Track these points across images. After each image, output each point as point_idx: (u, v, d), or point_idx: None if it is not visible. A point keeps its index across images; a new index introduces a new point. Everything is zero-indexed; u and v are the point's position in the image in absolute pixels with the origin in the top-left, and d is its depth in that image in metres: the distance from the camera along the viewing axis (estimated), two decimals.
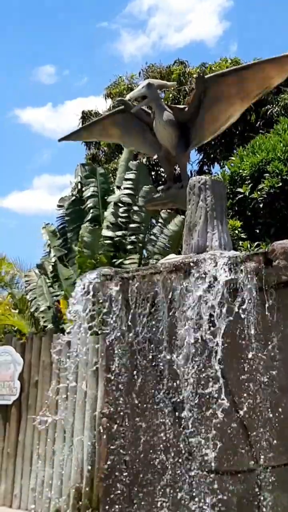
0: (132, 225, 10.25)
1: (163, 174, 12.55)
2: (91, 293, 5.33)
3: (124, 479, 4.97)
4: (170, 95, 13.77)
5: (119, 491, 4.97)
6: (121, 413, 5.12)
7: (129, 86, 15.30)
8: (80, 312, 5.42)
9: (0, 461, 6.24)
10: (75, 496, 5.53)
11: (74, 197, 11.35)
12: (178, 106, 6.27)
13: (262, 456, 4.29)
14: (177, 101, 13.11)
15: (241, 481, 4.36)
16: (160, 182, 12.01)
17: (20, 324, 10.09)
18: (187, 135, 5.98)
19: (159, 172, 13.52)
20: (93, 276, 5.36)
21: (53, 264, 10.64)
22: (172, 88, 13.10)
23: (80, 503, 5.49)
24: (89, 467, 5.52)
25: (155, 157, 6.42)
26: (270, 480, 4.26)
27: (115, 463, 5.05)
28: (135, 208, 10.32)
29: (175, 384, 4.81)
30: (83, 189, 11.08)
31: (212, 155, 14.40)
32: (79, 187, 11.69)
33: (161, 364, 4.95)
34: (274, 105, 12.80)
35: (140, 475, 4.88)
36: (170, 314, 4.94)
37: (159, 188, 6.38)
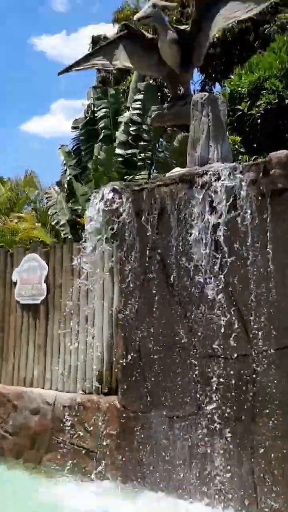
0: (141, 143, 10.14)
1: (169, 94, 12.24)
2: (105, 205, 5.39)
3: (138, 365, 5.23)
4: (174, 18, 13.19)
5: (134, 375, 5.24)
6: (134, 310, 5.31)
7: (135, 10, 14.63)
8: (95, 223, 5.50)
9: (33, 351, 6.53)
10: (97, 379, 5.81)
11: (87, 119, 11.17)
12: (180, 26, 6.05)
13: (256, 342, 4.48)
14: (180, 23, 12.56)
15: (239, 363, 4.56)
16: (167, 102, 11.74)
17: (43, 236, 10.23)
18: (190, 55, 5.82)
19: (165, 92, 13.16)
20: (106, 190, 5.40)
21: (69, 181, 10.63)
22: (175, 11, 12.53)
23: (102, 385, 5.78)
24: (108, 355, 5.77)
25: (160, 77, 6.27)
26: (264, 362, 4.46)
27: (130, 351, 5.29)
28: (144, 127, 10.16)
29: (183, 284, 4.95)
30: (95, 110, 10.88)
31: (213, 75, 13.97)
32: (92, 108, 11.47)
33: (169, 268, 5.07)
34: (272, 24, 12.25)
35: (151, 362, 5.12)
36: (177, 223, 5.01)
37: (164, 105, 6.27)
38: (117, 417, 5.36)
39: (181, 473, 4.78)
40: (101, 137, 10.34)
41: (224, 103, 5.39)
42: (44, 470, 5.83)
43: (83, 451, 5.56)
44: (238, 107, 8.00)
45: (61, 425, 5.78)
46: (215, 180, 4.68)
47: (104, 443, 5.41)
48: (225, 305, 4.62)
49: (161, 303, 5.09)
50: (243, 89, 8.02)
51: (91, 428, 5.55)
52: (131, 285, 5.33)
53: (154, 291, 5.13)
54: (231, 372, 4.55)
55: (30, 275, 6.64)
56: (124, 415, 5.28)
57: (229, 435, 4.53)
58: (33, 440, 6.06)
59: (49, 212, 10.70)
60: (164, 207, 5.07)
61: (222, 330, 4.60)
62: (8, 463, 6.18)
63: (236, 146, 7.72)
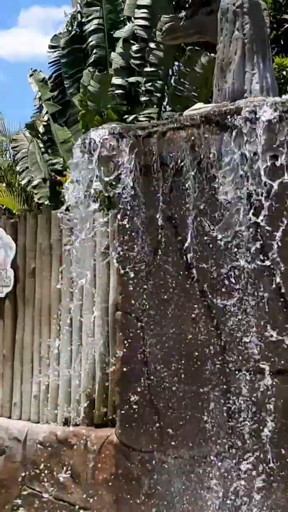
0: (148, 69, 10.03)
1: None
2: (96, 157, 5.32)
3: (144, 383, 5.21)
4: None
5: (139, 399, 5.22)
6: (139, 305, 5.28)
7: None
8: (82, 182, 5.45)
9: None
10: (85, 405, 5.82)
11: (71, 34, 11.03)
12: None
13: None
14: None
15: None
16: (185, 9, 11.57)
17: (9, 202, 10.21)
18: None
19: None
20: (98, 135, 5.33)
21: (45, 123, 10.54)
22: None
23: (92, 413, 5.79)
24: (102, 370, 5.77)
25: None
26: None
27: (133, 363, 5.27)
28: (152, 45, 10.03)
29: (207, 268, 4.91)
30: (84, 22, 10.74)
31: None
32: (79, 19, 11.31)
33: (188, 245, 5.03)
34: None
35: (164, 379, 5.10)
36: (199, 182, 4.95)
37: (181, 14, 6.18)
38: (114, 458, 5.36)
39: None
40: (91, 60, 10.24)
41: (266, 10, 5.30)
42: None
43: (67, 507, 5.58)
44: (286, 16, 7.90)
45: (36, 470, 5.80)
46: (254, 121, 4.61)
47: (96, 496, 5.42)
48: (268, 296, 4.58)
49: (177, 294, 5.04)
50: None
51: (78, 475, 5.56)
52: (134, 270, 5.29)
53: (166, 278, 5.09)
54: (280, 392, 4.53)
55: None
56: (124, 456, 5.27)
57: (274, 484, 4.52)
58: None
59: (17, 168, 10.65)
60: (181, 160, 5.01)
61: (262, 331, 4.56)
62: None
63: (284, 72, 7.64)
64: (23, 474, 5.95)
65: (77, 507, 5.54)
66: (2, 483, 6.06)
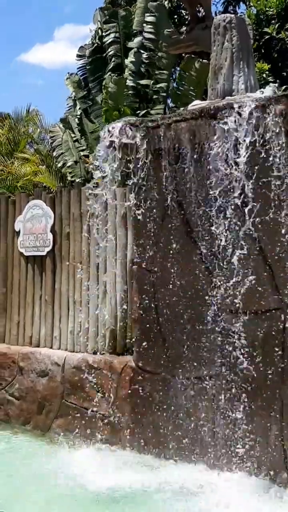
0: (155, 73, 9.87)
1: (186, 17, 11.82)
2: (117, 143, 5.28)
3: (156, 321, 5.22)
4: None
5: (152, 333, 5.25)
6: (151, 261, 5.27)
7: None
8: (106, 163, 5.41)
9: (40, 308, 6.56)
10: (110, 338, 5.84)
11: (94, 46, 10.83)
12: None
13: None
14: None
15: (268, 319, 4.53)
16: (184, 25, 11.35)
17: (48, 180, 10.14)
18: None
19: (182, 14, 12.73)
20: (118, 126, 5.28)
21: (78, 117, 10.43)
22: None
23: (115, 344, 5.81)
24: (122, 311, 5.78)
25: None
26: None
27: (147, 307, 5.29)
28: (159, 54, 9.86)
29: (204, 233, 4.88)
30: (103, 35, 10.54)
31: None
32: (100, 33, 11.12)
33: (189, 215, 4.99)
34: None
35: (171, 318, 5.12)
36: (197, 163, 4.90)
37: (182, 29, 6.06)
38: (132, 379, 5.40)
39: (204, 440, 4.83)
40: (110, 66, 10.07)
41: (250, 25, 5.19)
42: (54, 437, 5.93)
43: (96, 416, 5.63)
44: (266, 30, 7.72)
45: (71, 388, 5.85)
46: (240, 114, 4.54)
47: (119, 408, 5.47)
48: (252, 257, 4.56)
49: (181, 253, 5.03)
50: (272, 10, 7.72)
51: (104, 391, 5.61)
52: (147, 234, 5.27)
53: (173, 240, 5.07)
54: (259, 329, 4.53)
55: (34, 224, 6.60)
56: (140, 376, 5.31)
57: (256, 397, 4.55)
58: (41, 405, 6.15)
59: (54, 154, 10.57)
60: (183, 146, 4.95)
61: (249, 284, 4.55)
62: (15, 430, 6.29)
63: (264, 75, 7.50)
64: (62, 391, 5.99)
65: (103, 416, 5.59)
66: (46, 398, 6.12)
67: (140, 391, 5.27)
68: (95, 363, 5.76)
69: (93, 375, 5.71)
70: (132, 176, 5.29)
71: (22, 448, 5.86)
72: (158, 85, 9.92)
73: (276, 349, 4.45)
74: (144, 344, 5.29)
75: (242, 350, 4.59)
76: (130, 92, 9.70)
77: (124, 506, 4.39)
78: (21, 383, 6.37)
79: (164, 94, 9.98)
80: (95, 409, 5.64)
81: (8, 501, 4.46)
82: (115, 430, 5.46)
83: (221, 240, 4.68)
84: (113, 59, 10.13)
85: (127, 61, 9.99)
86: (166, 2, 12.54)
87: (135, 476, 4.77)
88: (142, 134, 5.14)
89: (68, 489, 4.67)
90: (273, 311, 4.49)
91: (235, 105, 4.55)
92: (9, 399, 6.47)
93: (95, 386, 5.68)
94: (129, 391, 5.40)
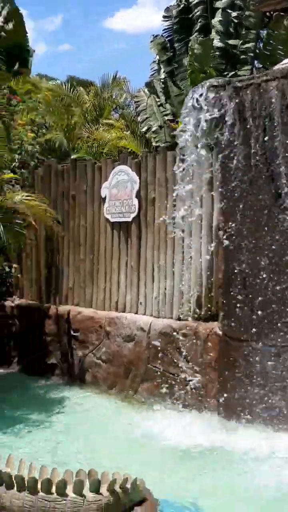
0: (243, 32, 9.55)
1: None
2: (203, 105, 5.17)
3: (242, 289, 5.15)
4: None
5: (238, 300, 5.18)
6: (238, 226, 5.18)
7: None
8: (192, 127, 5.32)
9: (125, 274, 6.63)
10: (195, 304, 5.82)
11: (181, 6, 10.59)
12: None
13: None
14: None
15: None
16: None
17: (133, 145, 10.12)
18: None
19: None
20: (204, 88, 5.16)
21: (162, 81, 10.30)
22: None
23: (200, 310, 5.79)
24: (208, 277, 5.73)
25: None
26: None
27: (233, 274, 5.21)
28: (247, 13, 9.52)
29: None
30: None
31: None
32: None
33: (279, 178, 4.85)
34: None
35: (258, 286, 5.03)
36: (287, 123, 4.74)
37: None
38: (217, 345, 5.38)
39: None
40: (197, 27, 9.82)
41: None
42: (140, 400, 6.04)
43: (181, 381, 5.66)
44: None
45: (157, 353, 5.91)
46: None
47: (204, 373, 5.48)
48: None
49: (269, 219, 4.92)
50: None
51: (189, 357, 5.62)
52: (234, 198, 5.17)
53: (261, 205, 4.95)
54: None
55: (120, 190, 6.63)
56: (225, 343, 5.28)
57: None
58: (127, 369, 6.26)
59: (138, 119, 10.51)
60: (272, 105, 4.78)
61: None
62: (102, 392, 6.46)
63: None
64: (147, 356, 6.05)
65: (187, 381, 5.61)
66: (132, 362, 6.21)
67: (226, 357, 5.25)
68: (180, 329, 5.77)
69: (178, 340, 5.73)
70: (219, 138, 5.18)
71: (108, 408, 6.05)
72: (245, 46, 9.60)
73: None
74: (230, 310, 5.24)
75: None
76: (216, 53, 9.43)
77: (203, 461, 4.55)
78: (108, 347, 6.50)
79: (252, 54, 9.64)
80: (179, 374, 5.68)
81: (95, 450, 4.84)
82: (200, 395, 5.48)
83: None
84: (199, 20, 9.86)
85: (214, 21, 9.69)
86: None
87: (218, 438, 4.83)
88: (229, 95, 5.01)
89: (147, 442, 4.92)
90: None
91: None
92: (97, 362, 6.63)
93: (180, 351, 5.70)
94: (215, 357, 5.38)
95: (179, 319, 5.95)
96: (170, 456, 4.66)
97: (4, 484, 3.22)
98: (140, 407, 5.92)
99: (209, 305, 5.77)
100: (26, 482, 3.17)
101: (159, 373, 5.89)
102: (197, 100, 5.18)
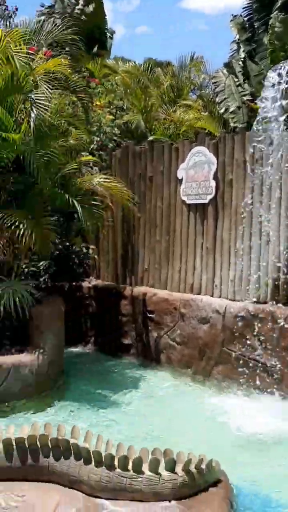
0: None
1: None
2: (285, 84, 5.06)
3: None
4: None
5: None
6: None
7: None
8: (273, 105, 5.22)
9: (201, 256, 6.59)
10: (272, 287, 5.73)
11: None
12: None
13: None
14: None
15: None
16: None
17: (211, 126, 10.01)
18: None
19: None
20: (286, 66, 5.04)
21: (241, 60, 10.11)
22: None
23: (278, 292, 5.70)
24: (286, 260, 5.63)
25: None
26: None
27: None
28: None
29: None
30: None
31: None
32: None
33: None
34: None
35: None
36: None
37: None
38: None
39: None
40: (278, 5, 9.56)
41: None
42: (214, 383, 6.03)
43: (257, 365, 5.61)
44: None
45: (232, 336, 5.87)
46: None
47: (280, 358, 5.40)
48: None
49: None
50: None
51: (265, 341, 5.55)
52: None
53: None
54: None
55: (197, 172, 6.59)
56: None
57: None
58: (202, 351, 6.25)
59: (216, 99, 10.37)
60: None
61: None
62: (176, 373, 6.49)
63: None
64: (222, 339, 6.03)
65: (263, 364, 5.56)
66: (207, 345, 6.20)
67: None
68: (256, 312, 5.71)
69: (254, 324, 5.67)
70: None
71: (182, 389, 6.09)
72: None
73: None
74: None
75: None
76: None
77: (277, 448, 4.54)
78: (183, 329, 6.51)
79: None
80: (255, 357, 5.63)
81: (168, 430, 4.90)
82: (275, 379, 5.42)
83: None
84: None
85: None
86: None
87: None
88: None
89: (220, 425, 4.96)
90: None
91: None
92: (171, 343, 6.66)
93: (255, 335, 5.64)
94: None
95: (255, 302, 5.88)
96: (244, 441, 4.64)
97: (82, 459, 3.30)
98: (214, 390, 5.92)
99: (287, 289, 5.66)
100: (103, 458, 3.24)
101: (234, 356, 5.85)
102: (279, 76, 5.07)
